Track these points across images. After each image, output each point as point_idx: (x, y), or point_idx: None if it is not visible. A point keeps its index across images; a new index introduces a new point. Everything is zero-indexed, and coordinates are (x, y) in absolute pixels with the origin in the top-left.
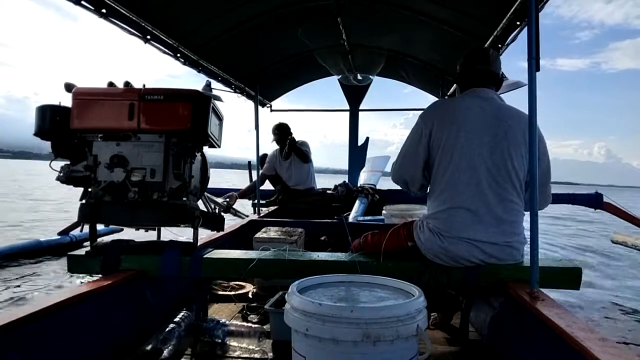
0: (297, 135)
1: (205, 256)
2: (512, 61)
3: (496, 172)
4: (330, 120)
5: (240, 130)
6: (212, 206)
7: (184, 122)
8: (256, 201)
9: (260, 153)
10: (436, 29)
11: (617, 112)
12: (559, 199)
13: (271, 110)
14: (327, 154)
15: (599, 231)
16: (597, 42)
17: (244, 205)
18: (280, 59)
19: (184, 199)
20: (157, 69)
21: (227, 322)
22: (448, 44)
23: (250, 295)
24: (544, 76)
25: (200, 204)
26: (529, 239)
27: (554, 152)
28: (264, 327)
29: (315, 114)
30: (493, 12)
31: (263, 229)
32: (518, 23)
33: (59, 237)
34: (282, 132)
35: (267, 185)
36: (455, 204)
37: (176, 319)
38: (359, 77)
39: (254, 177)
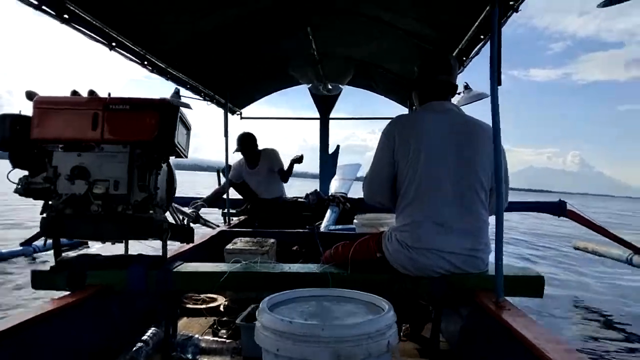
0: (276, 139)
1: (174, 269)
2: (476, 70)
3: (460, 184)
4: (309, 124)
5: (217, 134)
6: (181, 217)
7: (150, 132)
8: (226, 210)
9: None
10: (404, 40)
11: (589, 122)
12: (523, 207)
13: (241, 118)
14: (306, 158)
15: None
16: (569, 54)
17: (212, 214)
18: (250, 67)
19: (150, 211)
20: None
21: (198, 337)
22: (416, 56)
23: (221, 308)
24: (518, 85)
25: (168, 216)
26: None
27: (529, 160)
28: (236, 342)
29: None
30: (458, 25)
31: (234, 240)
32: (482, 37)
33: (22, 247)
34: (245, 144)
35: (237, 194)
36: (421, 216)
37: (145, 336)
38: (329, 87)
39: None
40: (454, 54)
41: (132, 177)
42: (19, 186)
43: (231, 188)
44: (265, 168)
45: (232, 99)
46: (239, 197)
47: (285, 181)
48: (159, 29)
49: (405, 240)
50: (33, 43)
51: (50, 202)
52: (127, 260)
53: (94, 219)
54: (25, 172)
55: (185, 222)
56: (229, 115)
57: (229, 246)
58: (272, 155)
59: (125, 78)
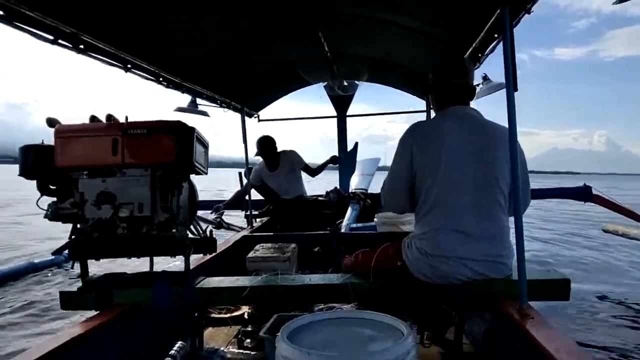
0: (296, 135)
1: (197, 286)
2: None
3: (479, 190)
4: (330, 111)
5: (239, 131)
6: (204, 227)
7: (169, 155)
8: (248, 212)
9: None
10: (417, 40)
11: (616, 100)
12: (548, 193)
13: (259, 121)
14: (327, 151)
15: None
16: (594, 31)
17: (236, 216)
18: (264, 72)
19: (173, 230)
20: None
21: (224, 350)
22: (430, 53)
23: (245, 316)
24: (541, 66)
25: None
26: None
27: (553, 141)
28: (261, 352)
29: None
30: (470, 26)
31: (256, 247)
32: (496, 36)
33: (53, 256)
34: (265, 147)
35: (258, 195)
36: (441, 225)
37: (172, 351)
38: (345, 83)
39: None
40: (468, 52)
41: (154, 199)
42: (48, 212)
43: (252, 189)
44: (285, 169)
45: (248, 103)
46: (261, 197)
47: (313, 175)
48: (172, 47)
49: (425, 248)
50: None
51: (78, 226)
52: (151, 277)
53: (120, 241)
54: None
55: (208, 231)
56: (247, 118)
57: (251, 254)
58: (291, 155)
59: None
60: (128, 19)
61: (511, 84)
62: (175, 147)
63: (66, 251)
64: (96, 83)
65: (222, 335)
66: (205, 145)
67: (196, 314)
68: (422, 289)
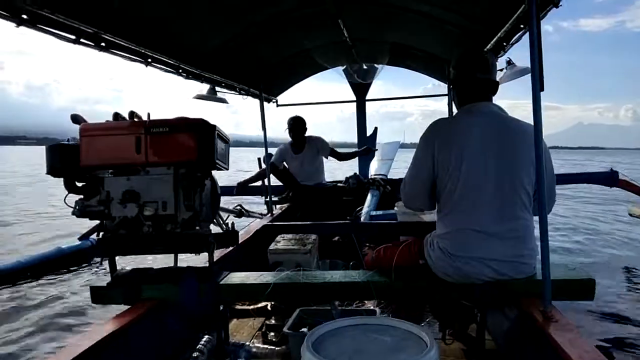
0: (313, 111)
1: (222, 282)
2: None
3: (502, 189)
4: (345, 93)
5: (257, 110)
6: (224, 217)
7: (191, 153)
8: (268, 199)
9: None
10: (440, 27)
11: None
12: (573, 179)
13: (277, 106)
14: (345, 127)
15: None
16: (621, 0)
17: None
18: (282, 59)
19: (197, 227)
20: None
21: (249, 345)
22: (454, 40)
23: (269, 308)
24: (566, 37)
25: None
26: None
27: (578, 116)
28: (284, 347)
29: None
30: (497, 16)
31: (277, 238)
32: (522, 26)
33: (80, 242)
34: (297, 125)
35: (277, 180)
36: (463, 224)
37: (199, 345)
38: (364, 67)
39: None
40: (492, 42)
41: (178, 197)
42: (76, 208)
43: (272, 175)
44: (310, 154)
45: (267, 89)
46: (279, 183)
47: (341, 161)
48: (191, 39)
49: (447, 247)
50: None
51: (105, 223)
52: (177, 272)
53: (145, 239)
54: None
55: (230, 223)
56: (265, 103)
57: (272, 246)
58: (318, 141)
59: None
60: (147, 16)
61: (537, 84)
62: (196, 145)
63: (92, 236)
64: (114, 63)
65: (247, 328)
66: (225, 141)
67: (221, 308)
68: (444, 288)
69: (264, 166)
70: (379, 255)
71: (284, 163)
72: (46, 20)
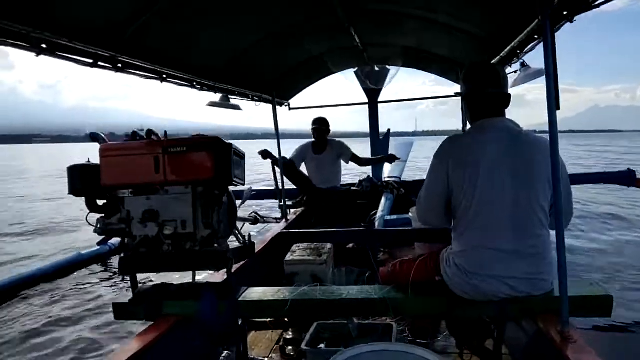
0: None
1: (240, 298)
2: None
3: (520, 207)
4: (359, 91)
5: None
6: (241, 227)
7: (208, 171)
8: (282, 203)
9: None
10: (453, 35)
11: None
12: (588, 179)
13: (290, 109)
14: (355, 119)
15: None
16: None
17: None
18: (294, 66)
19: (215, 245)
20: None
21: None
22: (465, 46)
23: (286, 319)
24: (579, 19)
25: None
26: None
27: (594, 99)
28: None
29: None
30: (510, 28)
31: (292, 248)
32: (536, 37)
33: (99, 247)
34: (322, 125)
35: (290, 185)
36: (480, 243)
37: None
38: (376, 69)
39: (278, 177)
40: (506, 50)
41: (196, 215)
42: (98, 227)
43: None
44: (330, 157)
45: (278, 94)
46: (293, 187)
47: (361, 165)
48: (204, 55)
49: (464, 265)
50: None
51: (126, 241)
52: (197, 288)
53: (165, 256)
54: None
55: (247, 235)
56: (278, 107)
57: (288, 257)
58: (340, 146)
59: None
60: (162, 36)
61: (553, 102)
62: (214, 164)
63: (111, 241)
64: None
65: (265, 341)
66: (241, 157)
67: (240, 322)
68: (461, 305)
69: (277, 170)
70: (395, 270)
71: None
72: (64, 48)
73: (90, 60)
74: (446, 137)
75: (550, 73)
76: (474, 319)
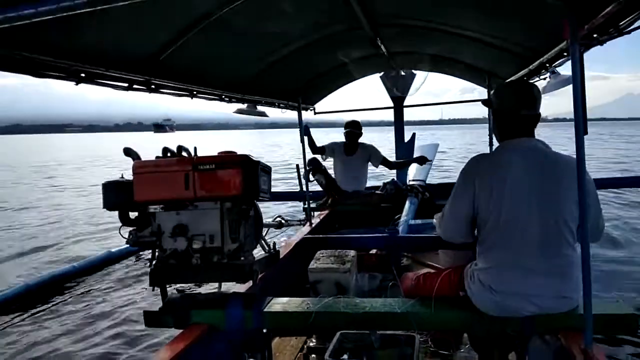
0: (347, 99)
1: (265, 309)
2: None
3: (545, 225)
4: (373, 78)
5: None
6: (265, 232)
7: (236, 188)
8: (306, 205)
9: None
10: (480, 47)
11: None
12: (603, 184)
13: (315, 113)
14: (377, 106)
15: None
16: None
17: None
18: (320, 75)
19: (242, 257)
20: None
21: None
22: (493, 57)
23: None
24: None
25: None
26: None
27: (627, 86)
28: None
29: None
30: (539, 45)
31: (316, 255)
32: (565, 54)
33: (128, 245)
34: (354, 127)
35: (316, 186)
36: (505, 260)
37: None
38: (402, 73)
39: (303, 180)
40: (535, 64)
41: (224, 230)
42: (130, 238)
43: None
44: (359, 160)
45: (304, 100)
46: (318, 188)
47: (391, 169)
48: (232, 71)
49: (489, 282)
50: None
51: (156, 253)
52: (223, 298)
53: (193, 269)
54: None
55: (272, 244)
56: (303, 112)
57: (312, 264)
58: (370, 149)
59: None
60: (192, 58)
61: (581, 127)
62: (242, 181)
63: None
64: None
65: (289, 348)
66: (267, 172)
67: (265, 330)
68: (484, 320)
69: (302, 172)
70: (418, 284)
71: (328, 161)
72: (101, 76)
73: (126, 84)
74: (471, 125)
75: (578, 97)
76: (496, 333)
